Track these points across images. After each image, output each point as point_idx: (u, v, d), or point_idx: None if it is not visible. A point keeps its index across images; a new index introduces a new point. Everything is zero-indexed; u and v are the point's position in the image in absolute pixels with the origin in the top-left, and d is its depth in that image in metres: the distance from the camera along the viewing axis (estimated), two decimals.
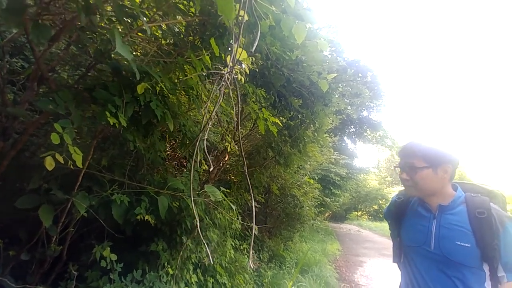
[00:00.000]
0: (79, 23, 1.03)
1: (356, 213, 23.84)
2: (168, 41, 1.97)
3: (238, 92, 0.99)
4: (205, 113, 1.38)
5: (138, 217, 1.66)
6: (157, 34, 1.97)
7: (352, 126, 15.07)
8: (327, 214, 16.24)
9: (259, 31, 1.15)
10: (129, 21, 1.58)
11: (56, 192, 1.44)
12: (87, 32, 1.36)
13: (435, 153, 1.08)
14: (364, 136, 16.13)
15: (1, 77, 1.29)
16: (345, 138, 15.45)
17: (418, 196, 1.17)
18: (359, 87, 10.47)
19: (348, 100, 11.28)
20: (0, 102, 1.36)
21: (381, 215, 23.59)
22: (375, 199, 22.00)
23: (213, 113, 1.05)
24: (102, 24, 1.52)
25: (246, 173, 1.34)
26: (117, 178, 1.77)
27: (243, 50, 1.44)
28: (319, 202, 7.30)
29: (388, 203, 1.37)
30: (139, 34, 1.84)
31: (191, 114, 2.20)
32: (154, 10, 1.64)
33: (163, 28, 1.94)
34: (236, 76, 1.39)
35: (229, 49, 1.61)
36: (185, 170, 2.83)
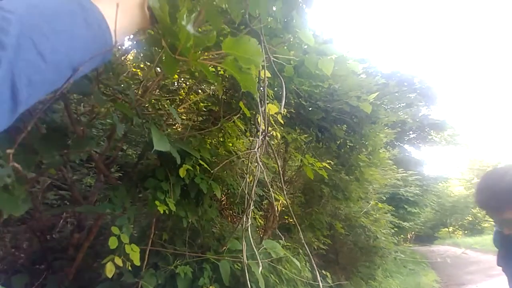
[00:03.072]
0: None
1: (447, 229, 20.08)
2: (204, 104, 2.08)
3: (276, 156, 0.94)
4: (247, 175, 1.36)
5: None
6: (191, 97, 2.10)
7: (411, 132, 13.53)
8: (409, 236, 14.05)
9: (284, 89, 1.13)
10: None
11: (126, 278, 1.52)
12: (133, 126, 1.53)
13: None
14: (428, 139, 14.27)
15: (70, 178, 1.49)
16: (405, 146, 13.85)
17: None
18: (408, 97, 9.61)
19: (401, 113, 10.33)
20: (73, 199, 1.57)
21: (478, 227, 19.32)
22: (466, 209, 18.06)
23: (255, 182, 1.01)
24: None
25: (300, 234, 1.22)
26: (179, 250, 1.81)
27: (274, 105, 1.43)
28: (395, 229, 6.36)
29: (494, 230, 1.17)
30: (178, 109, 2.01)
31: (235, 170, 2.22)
32: (190, 81, 1.81)
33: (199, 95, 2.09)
34: (271, 134, 1.36)
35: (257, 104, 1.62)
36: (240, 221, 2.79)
